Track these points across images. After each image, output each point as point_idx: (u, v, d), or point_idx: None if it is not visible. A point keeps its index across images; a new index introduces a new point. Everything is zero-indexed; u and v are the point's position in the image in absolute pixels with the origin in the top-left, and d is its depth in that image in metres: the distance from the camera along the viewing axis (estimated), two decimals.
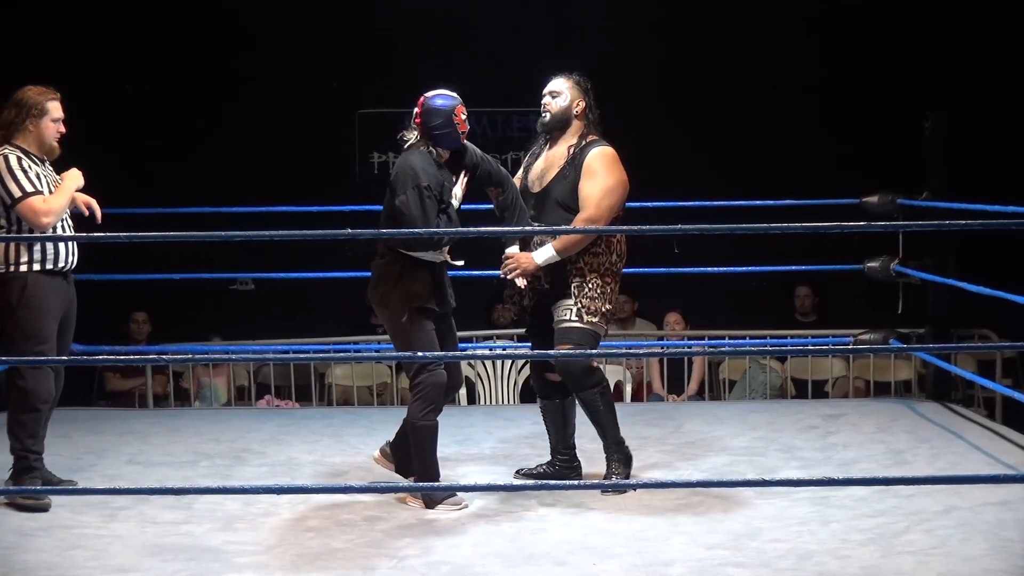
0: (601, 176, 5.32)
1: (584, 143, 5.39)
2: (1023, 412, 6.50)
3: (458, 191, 5.30)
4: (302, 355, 8.12)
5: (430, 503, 5.16)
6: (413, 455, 5.25)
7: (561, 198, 5.36)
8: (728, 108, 9.55)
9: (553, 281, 5.37)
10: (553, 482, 5.49)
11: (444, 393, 5.30)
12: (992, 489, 5.10)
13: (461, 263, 5.35)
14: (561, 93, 5.46)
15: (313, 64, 9.51)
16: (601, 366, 5.50)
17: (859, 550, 4.59)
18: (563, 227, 5.29)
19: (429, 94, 5.26)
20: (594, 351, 5.35)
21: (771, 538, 4.75)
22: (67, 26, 9.18)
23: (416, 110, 5.25)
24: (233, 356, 8.55)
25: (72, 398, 7.65)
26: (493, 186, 5.41)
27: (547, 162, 5.44)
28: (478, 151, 5.41)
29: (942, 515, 4.92)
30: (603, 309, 5.35)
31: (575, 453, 5.58)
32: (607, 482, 5.27)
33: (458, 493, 5.20)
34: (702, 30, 9.50)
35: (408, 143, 5.27)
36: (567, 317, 5.34)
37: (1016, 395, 6.20)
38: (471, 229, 4.76)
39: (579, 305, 5.33)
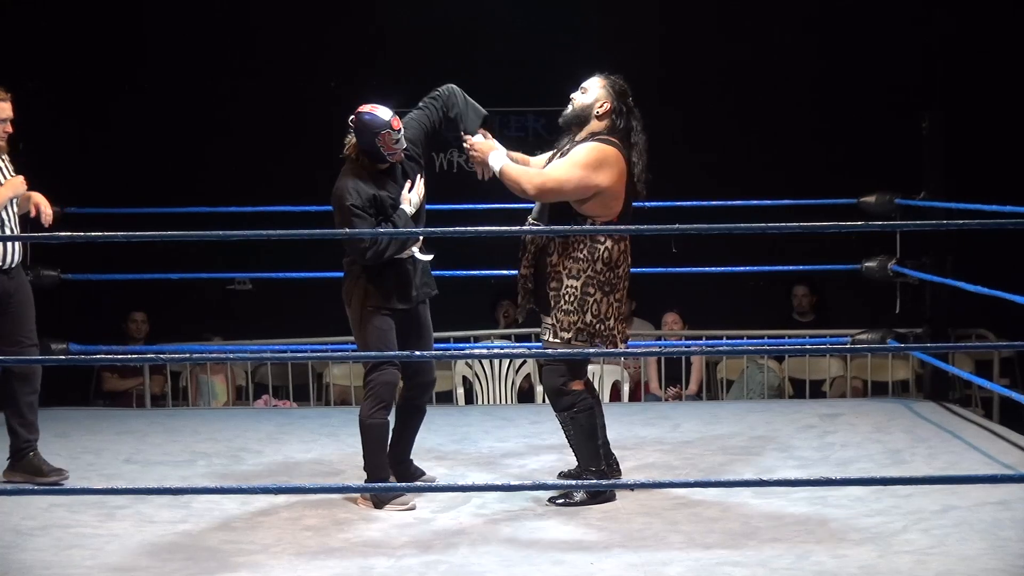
0: (570, 160, 5.10)
1: (587, 138, 5.19)
2: (1020, 412, 6.50)
3: (413, 196, 5.28)
4: (300, 355, 8.12)
5: (379, 503, 5.16)
6: (363, 452, 5.24)
7: None
8: (726, 108, 9.55)
9: (536, 285, 5.25)
10: (551, 481, 5.48)
11: (421, 390, 5.38)
12: (990, 489, 5.10)
13: (430, 257, 5.33)
14: (588, 90, 5.26)
15: (312, 64, 9.51)
16: (595, 372, 5.33)
17: (857, 549, 4.59)
18: (561, 227, 5.11)
19: (364, 108, 5.20)
20: (591, 351, 5.27)
21: (769, 537, 4.75)
22: (66, 27, 9.18)
23: (352, 118, 5.22)
24: (231, 356, 8.55)
25: (70, 398, 7.69)
26: (441, 121, 5.38)
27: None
28: (409, 129, 5.30)
29: (940, 514, 4.92)
30: (579, 323, 5.11)
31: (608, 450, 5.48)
32: (605, 482, 5.23)
33: (406, 494, 5.18)
34: (700, 30, 9.50)
35: (344, 155, 5.29)
36: (546, 337, 5.22)
37: (1014, 395, 6.20)
38: (445, 229, 4.65)
39: (554, 320, 5.16)
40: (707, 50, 9.47)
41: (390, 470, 5.27)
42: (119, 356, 7.51)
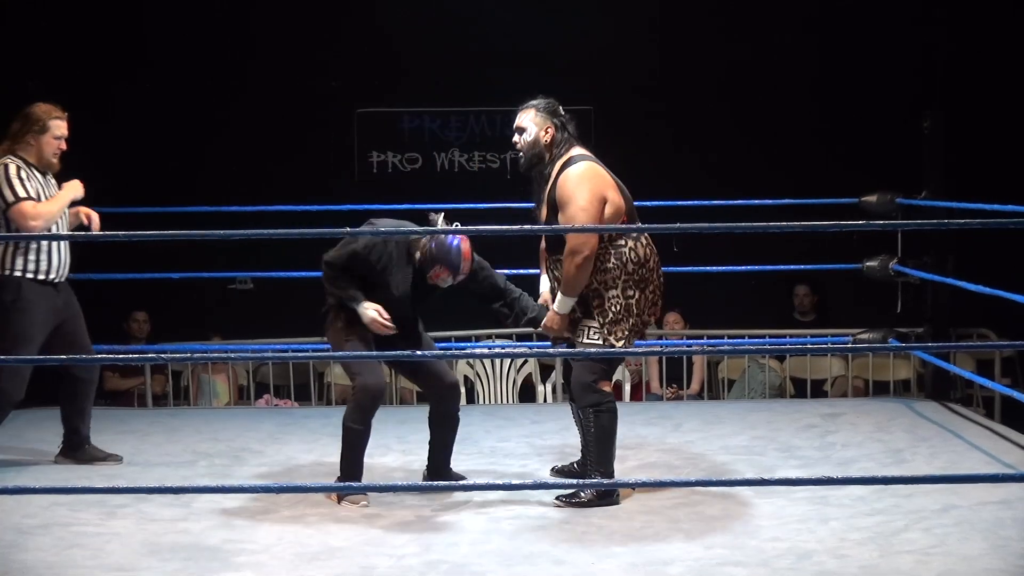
0: (570, 203, 5.12)
1: (555, 175, 5.19)
2: (1022, 411, 6.50)
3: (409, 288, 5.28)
4: (301, 354, 8.11)
5: (339, 499, 5.24)
6: (342, 453, 5.28)
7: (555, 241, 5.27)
8: (726, 108, 9.55)
9: (581, 313, 5.25)
10: (552, 480, 5.47)
11: (441, 397, 5.40)
12: (991, 488, 5.10)
13: (391, 331, 5.26)
14: (525, 128, 5.28)
15: (313, 63, 9.51)
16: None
17: (858, 549, 4.59)
18: (559, 227, 5.10)
19: (458, 253, 5.17)
20: (595, 350, 5.25)
21: (770, 537, 4.75)
22: (66, 27, 9.18)
23: (458, 248, 5.16)
24: (232, 355, 8.55)
25: None
26: (493, 302, 5.45)
27: (541, 205, 5.32)
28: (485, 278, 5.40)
29: (941, 514, 4.92)
30: (627, 327, 5.16)
31: None
32: (606, 481, 5.22)
33: (360, 494, 5.22)
34: (700, 30, 9.50)
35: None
36: (583, 339, 5.22)
37: (1015, 394, 6.20)
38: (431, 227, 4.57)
39: (605, 331, 5.17)
40: (707, 50, 9.47)
41: (362, 472, 5.29)
42: (120, 356, 7.50)
